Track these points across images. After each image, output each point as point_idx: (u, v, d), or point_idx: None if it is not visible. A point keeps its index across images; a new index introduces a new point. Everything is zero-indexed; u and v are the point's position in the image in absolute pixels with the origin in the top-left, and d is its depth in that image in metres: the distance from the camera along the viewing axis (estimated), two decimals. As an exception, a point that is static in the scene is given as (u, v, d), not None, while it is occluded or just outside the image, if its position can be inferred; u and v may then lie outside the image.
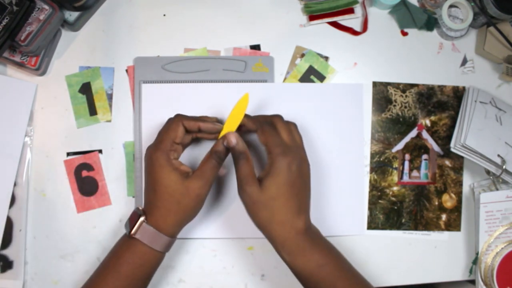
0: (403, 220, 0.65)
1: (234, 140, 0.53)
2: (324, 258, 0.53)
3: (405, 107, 0.66)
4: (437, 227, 0.66)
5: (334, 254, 0.55)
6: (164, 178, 0.53)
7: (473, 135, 0.61)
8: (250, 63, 0.64)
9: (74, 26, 0.62)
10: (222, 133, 0.55)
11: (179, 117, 0.56)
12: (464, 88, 0.67)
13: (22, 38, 0.55)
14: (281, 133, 0.55)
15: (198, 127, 0.56)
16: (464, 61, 0.68)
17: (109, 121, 0.63)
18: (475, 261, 0.64)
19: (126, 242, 0.54)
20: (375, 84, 0.66)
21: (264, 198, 0.52)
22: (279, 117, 0.57)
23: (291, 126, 0.57)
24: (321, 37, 0.66)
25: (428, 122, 0.66)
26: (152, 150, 0.54)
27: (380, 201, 0.65)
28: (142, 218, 0.53)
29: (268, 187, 0.52)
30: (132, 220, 0.54)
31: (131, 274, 0.53)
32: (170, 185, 0.53)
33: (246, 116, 0.56)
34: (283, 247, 0.53)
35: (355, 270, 0.56)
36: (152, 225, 0.53)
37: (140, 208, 0.55)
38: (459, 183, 0.67)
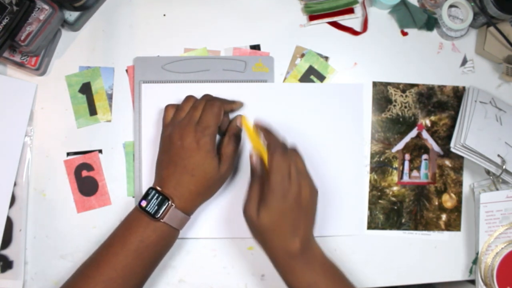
0: (403, 220, 0.65)
1: (254, 161, 0.56)
2: (315, 277, 0.52)
3: (405, 107, 0.66)
4: (437, 227, 0.66)
5: (329, 275, 0.54)
6: (207, 164, 0.54)
7: (473, 135, 0.61)
8: (250, 63, 0.64)
9: (74, 26, 0.62)
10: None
11: (220, 102, 0.57)
12: (464, 88, 0.67)
13: (22, 38, 0.55)
14: (285, 162, 0.53)
15: (231, 108, 0.60)
16: (464, 61, 0.68)
17: (109, 121, 0.63)
18: (475, 261, 0.64)
19: (142, 220, 0.53)
20: (375, 84, 0.66)
21: (258, 225, 0.52)
22: (294, 150, 0.56)
23: (295, 156, 0.55)
24: (321, 37, 0.66)
25: (428, 122, 0.66)
26: (201, 134, 0.54)
27: (380, 201, 0.65)
28: (172, 204, 0.53)
29: (262, 216, 0.52)
30: (146, 195, 0.54)
31: (145, 251, 0.53)
32: (210, 171, 0.54)
33: (266, 134, 0.56)
34: (276, 265, 0.54)
35: None
36: (180, 209, 0.54)
37: (159, 188, 0.54)
38: (459, 183, 0.66)
